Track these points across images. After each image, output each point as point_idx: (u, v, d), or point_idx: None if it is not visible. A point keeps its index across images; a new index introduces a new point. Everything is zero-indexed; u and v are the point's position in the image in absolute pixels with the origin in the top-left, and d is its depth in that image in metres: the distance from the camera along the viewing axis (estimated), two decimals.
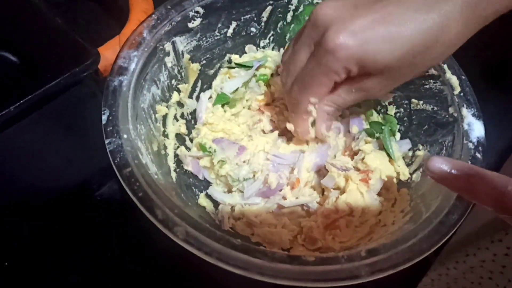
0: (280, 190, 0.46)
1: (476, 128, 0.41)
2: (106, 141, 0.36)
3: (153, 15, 0.45)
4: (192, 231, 0.32)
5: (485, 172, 0.30)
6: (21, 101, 0.36)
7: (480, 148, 0.40)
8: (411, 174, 0.47)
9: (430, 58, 0.37)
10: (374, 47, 0.35)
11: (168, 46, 0.46)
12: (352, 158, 0.47)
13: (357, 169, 0.45)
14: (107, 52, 0.53)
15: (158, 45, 0.44)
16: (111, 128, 0.37)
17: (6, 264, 0.48)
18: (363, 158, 0.45)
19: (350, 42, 0.35)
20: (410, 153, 0.49)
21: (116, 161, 0.35)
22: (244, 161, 0.48)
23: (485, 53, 0.60)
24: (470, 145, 0.40)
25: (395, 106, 0.52)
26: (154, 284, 0.49)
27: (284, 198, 0.45)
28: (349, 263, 0.32)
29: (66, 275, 0.48)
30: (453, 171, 0.31)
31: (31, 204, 0.47)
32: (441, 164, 0.31)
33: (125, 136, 0.37)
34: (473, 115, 0.42)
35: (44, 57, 0.40)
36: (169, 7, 0.46)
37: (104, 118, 0.37)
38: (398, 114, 0.52)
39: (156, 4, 0.62)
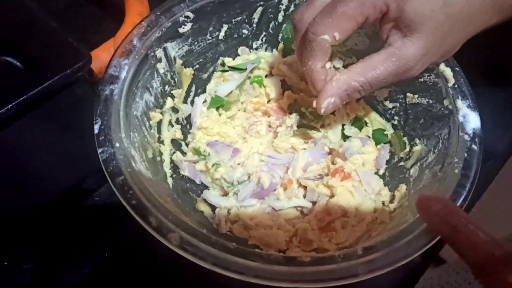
0: (274, 190, 0.45)
1: (471, 120, 0.41)
2: (99, 150, 0.36)
3: (142, 22, 0.45)
4: (186, 236, 0.32)
5: (474, 228, 0.27)
6: (13, 103, 0.36)
7: (476, 139, 0.40)
8: (409, 168, 0.46)
9: (457, 29, 0.38)
10: None
11: (159, 53, 0.46)
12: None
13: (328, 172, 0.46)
14: (102, 54, 0.53)
15: (149, 52, 0.45)
16: (103, 137, 0.37)
17: (6, 263, 0.49)
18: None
19: None
20: (408, 148, 0.48)
21: (109, 169, 0.35)
22: (238, 164, 0.48)
23: (485, 52, 0.60)
24: (466, 137, 0.40)
25: (391, 101, 0.52)
26: (153, 285, 0.49)
27: (278, 199, 0.45)
28: (345, 262, 0.32)
29: (63, 276, 0.49)
30: (441, 213, 0.29)
31: (27, 206, 0.47)
32: (430, 201, 0.30)
33: (117, 144, 0.37)
34: (468, 106, 0.42)
35: (37, 60, 0.41)
36: (158, 13, 0.46)
37: (96, 127, 0.37)
38: (394, 109, 0.51)
39: (152, 6, 0.62)
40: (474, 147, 0.39)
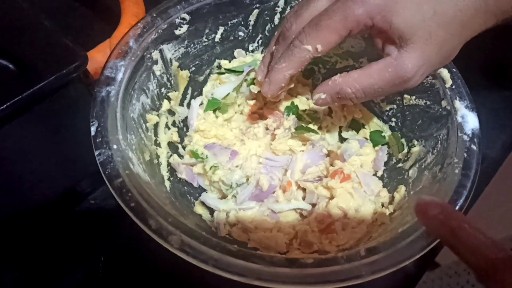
0: (273, 192, 0.45)
1: (470, 120, 0.41)
2: (96, 152, 0.36)
3: (138, 24, 0.45)
4: (187, 239, 0.32)
5: (474, 231, 0.27)
6: (7, 104, 0.35)
7: (475, 140, 0.40)
8: (407, 170, 0.46)
9: (452, 36, 0.37)
10: (403, 5, 0.36)
11: (155, 54, 0.46)
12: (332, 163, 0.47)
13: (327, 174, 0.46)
14: (98, 55, 0.53)
15: (145, 53, 0.44)
16: (100, 139, 0.36)
17: None
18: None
19: None
20: (406, 149, 0.48)
21: (106, 172, 0.35)
22: (236, 166, 0.47)
23: (478, 54, 0.60)
24: (465, 137, 0.40)
25: (387, 103, 0.52)
26: None
27: (277, 201, 0.44)
28: (348, 263, 0.32)
29: (59, 281, 0.48)
30: (440, 217, 0.29)
31: (21, 210, 0.46)
32: (428, 206, 0.30)
33: (115, 146, 0.36)
34: (466, 107, 0.42)
35: (32, 60, 0.39)
36: (154, 15, 0.46)
37: (93, 129, 0.37)
38: (391, 111, 0.52)
39: (148, 8, 0.62)
40: (474, 147, 0.39)
